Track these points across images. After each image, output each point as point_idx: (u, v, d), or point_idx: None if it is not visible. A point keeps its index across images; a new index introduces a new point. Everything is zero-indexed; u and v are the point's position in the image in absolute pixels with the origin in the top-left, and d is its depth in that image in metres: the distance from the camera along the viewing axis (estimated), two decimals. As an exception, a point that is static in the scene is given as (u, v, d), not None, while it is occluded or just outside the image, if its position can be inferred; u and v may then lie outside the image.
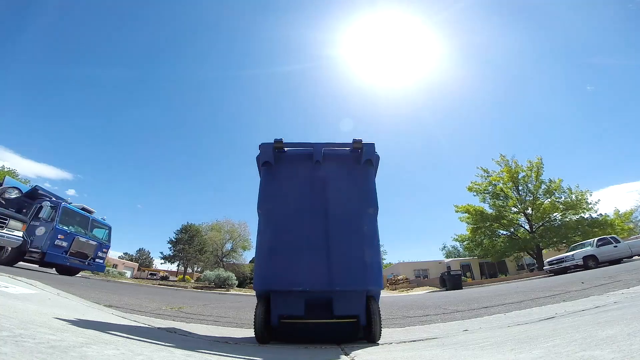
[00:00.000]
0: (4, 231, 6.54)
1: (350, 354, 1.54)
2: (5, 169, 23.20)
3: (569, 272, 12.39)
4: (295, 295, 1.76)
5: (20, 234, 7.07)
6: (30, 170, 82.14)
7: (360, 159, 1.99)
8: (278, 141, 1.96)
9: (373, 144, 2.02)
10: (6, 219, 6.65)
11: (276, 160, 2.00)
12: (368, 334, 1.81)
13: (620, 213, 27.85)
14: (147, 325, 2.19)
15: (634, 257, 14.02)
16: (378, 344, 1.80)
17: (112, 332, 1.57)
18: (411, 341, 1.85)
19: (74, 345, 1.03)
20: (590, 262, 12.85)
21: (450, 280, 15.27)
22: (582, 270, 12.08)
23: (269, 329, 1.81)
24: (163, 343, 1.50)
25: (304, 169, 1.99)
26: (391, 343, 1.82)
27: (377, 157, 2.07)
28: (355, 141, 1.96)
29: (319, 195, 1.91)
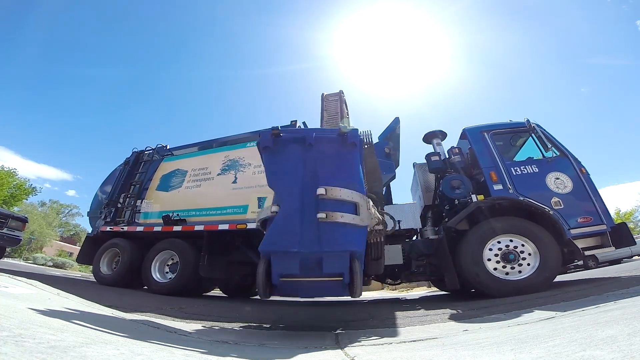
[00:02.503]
0: (4, 230, 6.54)
1: (350, 354, 1.55)
2: (5, 169, 23.18)
3: (569, 272, 12.40)
4: (290, 256, 2.03)
5: (21, 233, 7.08)
6: (31, 171, 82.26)
7: (346, 142, 2.26)
8: (275, 128, 2.32)
9: (357, 129, 2.33)
10: (6, 219, 6.65)
11: (274, 144, 2.32)
12: (351, 291, 2.07)
13: (620, 213, 27.86)
14: (147, 325, 2.19)
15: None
16: (378, 344, 1.81)
17: (112, 332, 1.57)
18: (411, 341, 1.85)
19: (74, 345, 1.03)
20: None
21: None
22: (582, 270, 12.08)
23: (270, 286, 2.11)
24: (163, 343, 1.50)
25: (298, 151, 2.29)
26: (391, 343, 1.82)
27: (360, 141, 2.39)
28: (341, 127, 2.31)
29: (311, 172, 2.20)
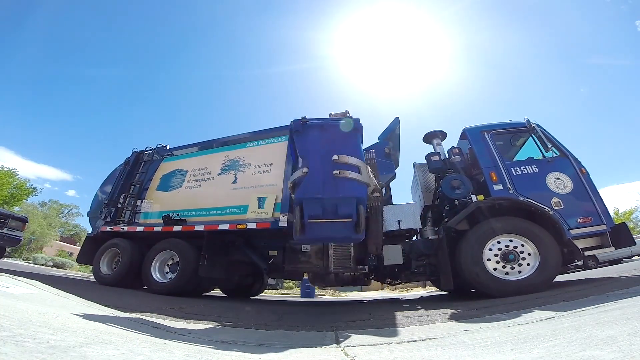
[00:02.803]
0: (4, 230, 6.54)
1: (350, 354, 1.55)
2: (6, 169, 23.17)
3: (569, 272, 12.39)
4: (316, 202, 2.84)
5: (21, 233, 7.08)
6: (31, 171, 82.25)
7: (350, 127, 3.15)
8: (303, 118, 3.21)
9: (358, 119, 3.23)
10: (6, 219, 6.65)
11: (303, 129, 3.19)
12: (356, 229, 2.83)
13: (620, 213, 27.85)
14: (147, 325, 2.19)
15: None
16: (378, 344, 1.81)
17: (112, 332, 1.57)
18: (411, 341, 1.85)
19: (74, 345, 1.03)
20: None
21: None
22: (582, 270, 12.08)
23: (302, 227, 2.86)
24: (163, 343, 1.50)
25: (318, 132, 3.14)
26: (391, 343, 1.82)
27: (361, 127, 3.25)
28: (345, 114, 3.35)
29: (328, 146, 3.02)
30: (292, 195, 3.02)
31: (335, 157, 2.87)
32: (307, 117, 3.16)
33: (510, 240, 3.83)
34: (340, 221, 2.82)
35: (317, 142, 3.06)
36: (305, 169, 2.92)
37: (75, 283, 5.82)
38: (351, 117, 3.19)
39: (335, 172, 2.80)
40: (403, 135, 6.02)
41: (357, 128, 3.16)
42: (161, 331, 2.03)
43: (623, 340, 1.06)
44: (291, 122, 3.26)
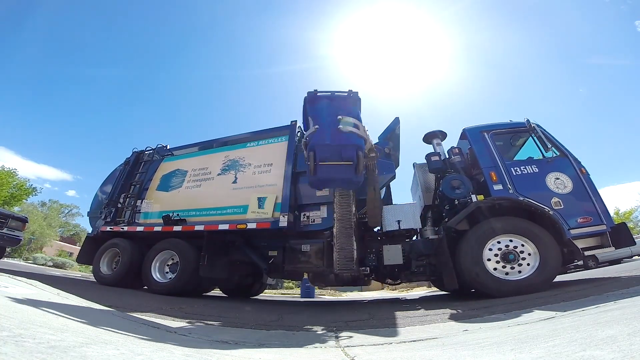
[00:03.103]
0: (4, 230, 6.54)
1: (350, 354, 1.55)
2: (6, 169, 23.16)
3: (569, 272, 12.39)
4: (325, 147, 3.48)
5: (21, 233, 7.07)
6: (31, 171, 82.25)
7: (351, 98, 3.80)
8: (315, 90, 3.80)
9: (357, 92, 3.79)
10: (6, 219, 6.65)
11: (315, 99, 3.77)
12: (356, 170, 3.47)
13: (620, 213, 27.85)
14: (147, 325, 2.19)
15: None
16: (378, 344, 1.81)
17: (112, 332, 1.57)
18: (411, 341, 1.85)
19: (74, 345, 1.03)
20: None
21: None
22: (582, 270, 12.08)
23: (315, 168, 3.50)
24: (163, 343, 1.50)
25: (327, 101, 3.74)
26: (391, 343, 1.82)
27: (360, 99, 3.82)
28: (349, 90, 3.78)
29: (334, 112, 3.60)
30: (305, 151, 3.68)
31: (339, 116, 3.55)
32: (318, 90, 3.91)
33: (510, 240, 3.83)
34: (343, 164, 3.47)
35: (326, 108, 3.70)
36: (316, 126, 3.60)
37: (75, 283, 5.82)
38: (351, 90, 3.96)
39: (340, 127, 3.47)
40: (403, 135, 6.03)
41: (356, 99, 3.85)
42: (161, 331, 2.03)
43: (623, 340, 1.06)
44: (307, 93, 3.98)
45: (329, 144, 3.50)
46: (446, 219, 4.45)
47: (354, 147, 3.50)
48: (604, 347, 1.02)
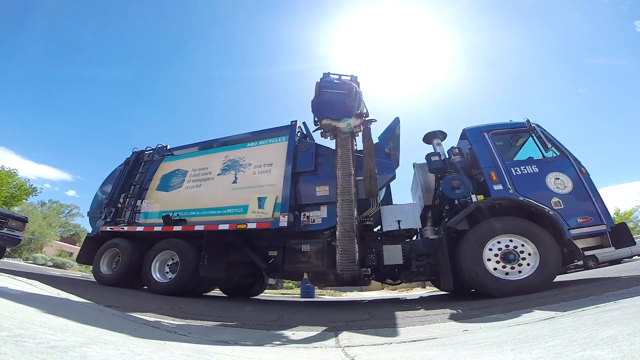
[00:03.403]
0: (4, 230, 6.54)
1: (350, 354, 1.55)
2: (6, 169, 23.15)
3: (569, 272, 12.39)
4: (329, 83, 4.88)
5: (21, 233, 7.07)
6: (31, 171, 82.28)
7: (350, 82, 5.00)
8: (328, 73, 5.10)
9: (357, 76, 5.09)
10: (6, 219, 6.65)
11: (325, 76, 5.04)
12: (349, 98, 4.76)
13: (620, 213, 27.84)
14: (147, 325, 2.19)
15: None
16: (378, 344, 1.80)
17: (112, 332, 1.57)
18: (411, 341, 1.85)
19: (74, 345, 1.03)
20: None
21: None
22: (582, 270, 12.08)
23: (320, 91, 4.87)
24: (163, 343, 1.50)
25: (337, 83, 4.90)
26: (391, 343, 1.82)
27: (358, 84, 5.00)
28: (352, 75, 5.07)
29: (338, 88, 4.84)
30: (314, 96, 4.86)
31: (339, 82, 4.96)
32: (330, 72, 5.17)
33: (510, 240, 3.83)
34: (340, 92, 4.77)
35: (334, 84, 4.90)
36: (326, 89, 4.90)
37: (75, 283, 5.82)
38: (352, 74, 5.16)
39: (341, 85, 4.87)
40: (403, 135, 6.05)
41: (356, 82, 5.01)
42: (161, 331, 2.03)
43: (623, 340, 1.06)
44: (323, 74, 5.10)
45: (331, 99, 4.81)
46: (446, 219, 4.45)
47: (346, 105, 4.78)
48: (604, 347, 1.02)
